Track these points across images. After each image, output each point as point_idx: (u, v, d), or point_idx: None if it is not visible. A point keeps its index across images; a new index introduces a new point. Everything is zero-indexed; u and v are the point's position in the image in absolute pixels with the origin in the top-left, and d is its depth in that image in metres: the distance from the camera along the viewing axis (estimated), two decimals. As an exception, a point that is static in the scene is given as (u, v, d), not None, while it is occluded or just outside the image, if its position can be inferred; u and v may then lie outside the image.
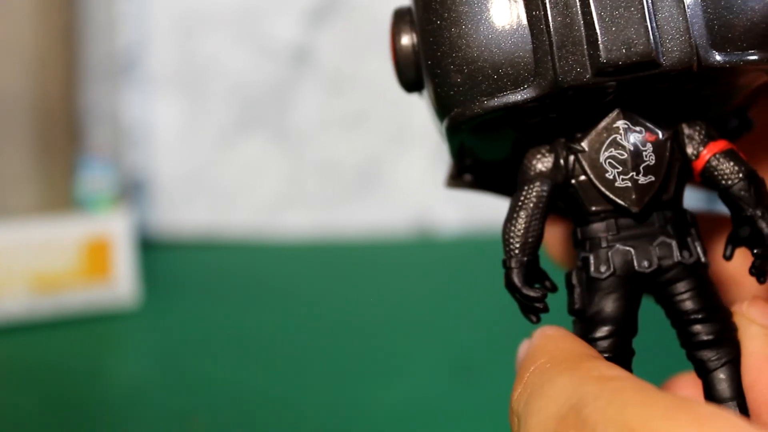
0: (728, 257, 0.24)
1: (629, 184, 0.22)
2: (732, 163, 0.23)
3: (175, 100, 0.79)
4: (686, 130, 0.23)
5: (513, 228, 0.23)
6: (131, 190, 0.79)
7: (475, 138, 0.24)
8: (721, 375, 0.22)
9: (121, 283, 0.63)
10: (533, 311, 0.24)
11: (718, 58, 0.21)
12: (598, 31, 0.21)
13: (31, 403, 0.49)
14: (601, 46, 0.21)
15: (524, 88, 0.22)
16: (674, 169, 0.23)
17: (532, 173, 0.23)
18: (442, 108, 0.23)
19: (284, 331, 0.59)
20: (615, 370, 0.20)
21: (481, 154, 0.26)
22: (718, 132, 0.24)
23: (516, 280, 0.23)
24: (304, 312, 0.63)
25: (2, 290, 0.60)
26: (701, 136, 0.24)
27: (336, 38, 0.78)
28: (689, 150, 0.23)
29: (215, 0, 0.78)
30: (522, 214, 0.23)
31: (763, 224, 0.23)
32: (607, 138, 0.23)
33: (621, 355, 0.23)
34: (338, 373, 0.52)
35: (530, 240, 0.23)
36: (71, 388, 0.51)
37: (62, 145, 0.74)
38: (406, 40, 0.24)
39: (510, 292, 0.24)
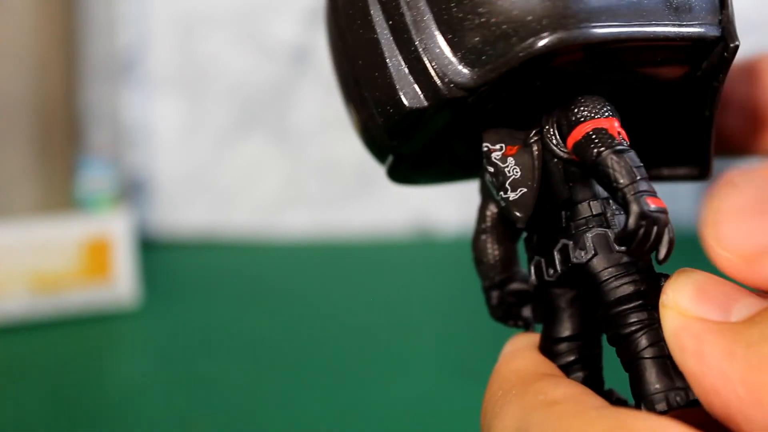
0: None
1: (503, 204, 0.22)
2: (589, 151, 0.21)
3: (175, 100, 0.79)
4: (559, 116, 0.22)
5: (476, 253, 0.24)
6: (131, 190, 0.79)
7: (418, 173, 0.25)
8: (646, 365, 0.20)
9: (121, 283, 0.63)
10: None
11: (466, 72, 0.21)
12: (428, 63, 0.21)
13: (31, 403, 0.49)
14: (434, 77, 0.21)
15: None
16: (553, 168, 0.22)
17: (482, 194, 0.24)
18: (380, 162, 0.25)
19: (284, 331, 0.59)
20: (561, 390, 0.19)
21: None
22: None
23: (493, 304, 0.24)
24: (303, 312, 0.63)
25: (2, 290, 0.60)
26: (571, 120, 0.21)
27: (336, 38, 0.78)
28: (554, 146, 0.22)
29: (215, 0, 0.78)
30: (480, 237, 0.24)
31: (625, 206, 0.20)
32: (482, 164, 0.22)
33: (582, 358, 0.22)
34: (338, 372, 0.52)
35: (496, 260, 0.24)
36: (71, 388, 0.51)
37: (62, 145, 0.74)
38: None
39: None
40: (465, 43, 0.20)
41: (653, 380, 0.19)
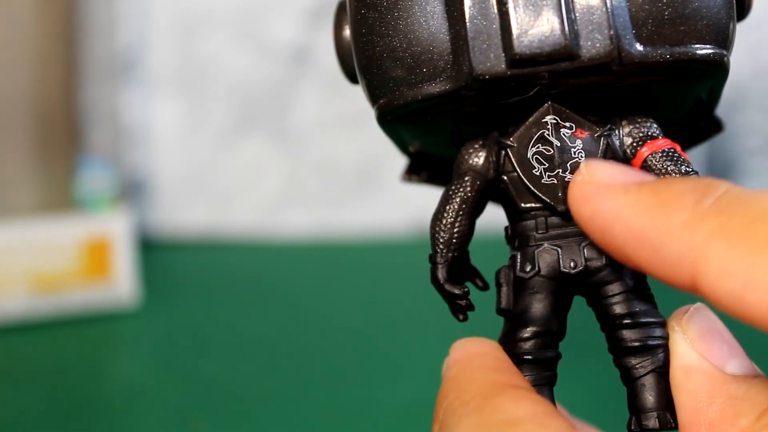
0: None
1: (555, 182, 0.22)
2: (669, 164, 0.22)
3: (174, 100, 0.79)
4: (626, 127, 0.22)
5: (439, 223, 0.23)
6: (131, 190, 0.79)
7: (410, 129, 0.24)
8: (645, 383, 0.21)
9: (121, 283, 0.63)
10: (459, 309, 0.23)
11: (640, 49, 0.21)
12: (512, 21, 0.21)
13: (31, 403, 0.49)
14: (514, 36, 0.21)
15: (440, 80, 0.21)
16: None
17: (464, 167, 0.23)
18: (370, 98, 0.23)
19: (284, 331, 0.59)
20: (522, 409, 0.19)
21: (427, 147, 0.26)
22: (663, 130, 0.23)
23: (439, 276, 0.23)
24: (303, 312, 0.63)
25: (2, 290, 0.60)
26: (640, 134, 0.22)
27: (336, 38, 0.78)
28: (626, 148, 0.22)
29: (215, 0, 0.78)
30: (449, 208, 0.23)
31: None
32: (535, 133, 0.22)
33: (544, 357, 0.22)
34: (338, 372, 0.52)
35: (456, 235, 0.23)
36: (71, 388, 0.51)
37: (62, 145, 0.74)
38: (347, 31, 0.24)
39: (435, 288, 0.23)
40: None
41: (652, 398, 0.21)
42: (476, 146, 0.23)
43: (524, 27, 0.21)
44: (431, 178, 0.28)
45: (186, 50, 0.79)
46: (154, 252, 0.74)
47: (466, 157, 0.23)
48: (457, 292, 0.23)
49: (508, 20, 0.21)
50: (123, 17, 0.77)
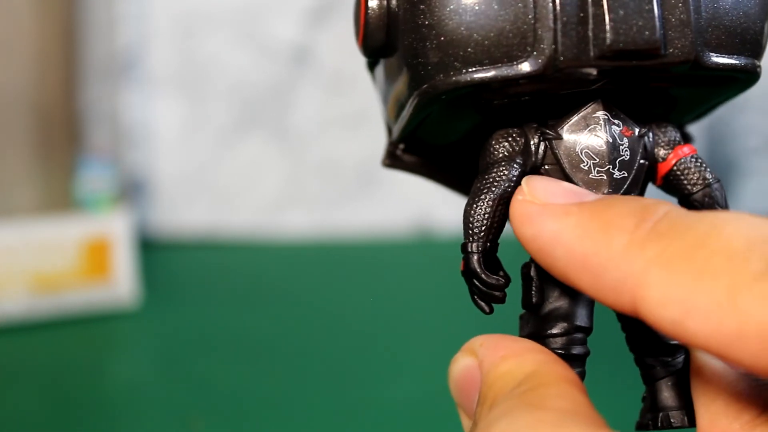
0: None
1: (604, 177, 0.21)
2: (697, 170, 0.22)
3: (175, 100, 0.79)
4: (656, 131, 0.23)
5: (475, 211, 0.22)
6: (131, 190, 0.79)
7: (441, 115, 0.23)
8: (669, 383, 0.22)
9: (121, 283, 0.63)
10: (491, 300, 0.22)
11: (714, 59, 0.21)
12: (606, 11, 0.20)
13: (31, 403, 0.49)
14: (608, 27, 0.20)
15: (518, 63, 0.20)
16: (642, 168, 0.22)
17: (500, 155, 0.22)
18: (422, 74, 0.21)
19: (284, 331, 0.59)
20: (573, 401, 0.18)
21: (431, 135, 0.25)
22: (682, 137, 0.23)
23: (476, 265, 0.22)
24: (303, 312, 0.63)
25: (2, 290, 0.60)
26: (669, 139, 0.23)
27: (336, 38, 0.78)
28: (658, 151, 0.23)
29: (215, 0, 0.78)
30: (488, 196, 0.22)
31: None
32: (585, 127, 0.22)
33: (575, 353, 0.22)
34: (338, 372, 0.52)
35: (494, 225, 0.22)
36: (71, 388, 0.51)
37: (62, 145, 0.74)
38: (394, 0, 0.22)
39: (467, 278, 0.22)
40: None
41: (677, 397, 0.22)
42: (513, 135, 0.22)
43: (619, 19, 0.20)
44: (415, 166, 0.27)
45: (186, 50, 0.79)
46: (154, 252, 0.74)
47: (503, 144, 0.22)
48: (495, 282, 0.22)
49: (603, 10, 0.20)
50: (123, 17, 0.77)
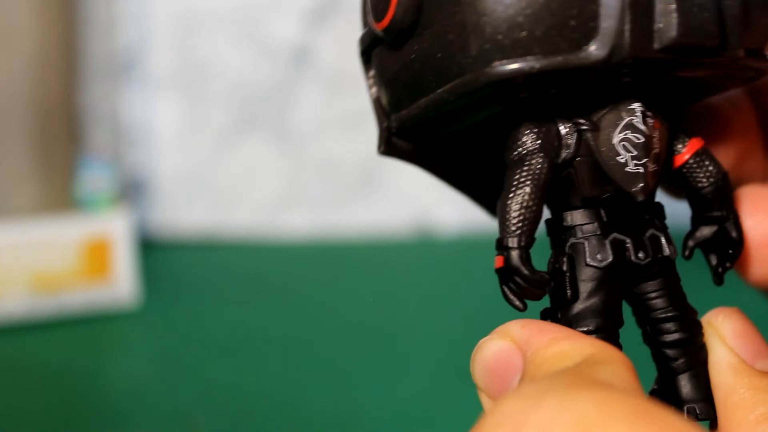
0: (688, 257, 0.23)
1: (641, 170, 0.21)
2: (709, 164, 0.23)
3: (174, 100, 0.79)
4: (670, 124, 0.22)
5: (514, 206, 0.21)
6: (131, 190, 0.79)
7: (462, 104, 0.22)
8: (692, 376, 0.22)
9: (121, 283, 0.63)
10: (530, 296, 0.21)
11: (753, 58, 0.21)
12: (674, 4, 0.19)
13: (31, 403, 0.49)
14: (676, 20, 0.19)
15: (582, 51, 0.19)
16: (665, 161, 0.22)
17: (532, 147, 0.21)
18: (467, 61, 0.20)
19: (284, 331, 0.59)
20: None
21: (436, 123, 0.23)
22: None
23: (518, 261, 0.21)
24: (304, 312, 0.63)
25: (2, 290, 0.60)
26: (684, 132, 0.23)
27: (336, 38, 0.78)
28: (677, 144, 0.22)
29: (215, 0, 0.78)
30: (523, 191, 0.21)
31: (732, 228, 0.23)
32: (623, 120, 0.21)
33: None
34: (338, 372, 0.52)
35: (533, 219, 0.21)
36: (71, 388, 0.51)
37: (62, 145, 0.74)
38: None
39: (504, 274, 0.21)
40: None
41: (699, 390, 0.22)
42: (542, 128, 0.21)
43: (686, 11, 0.20)
44: (413, 155, 0.26)
45: (186, 50, 0.79)
46: (154, 252, 0.74)
47: (533, 137, 0.21)
48: (539, 278, 0.21)
49: (671, 4, 0.20)
50: (123, 17, 0.77)
